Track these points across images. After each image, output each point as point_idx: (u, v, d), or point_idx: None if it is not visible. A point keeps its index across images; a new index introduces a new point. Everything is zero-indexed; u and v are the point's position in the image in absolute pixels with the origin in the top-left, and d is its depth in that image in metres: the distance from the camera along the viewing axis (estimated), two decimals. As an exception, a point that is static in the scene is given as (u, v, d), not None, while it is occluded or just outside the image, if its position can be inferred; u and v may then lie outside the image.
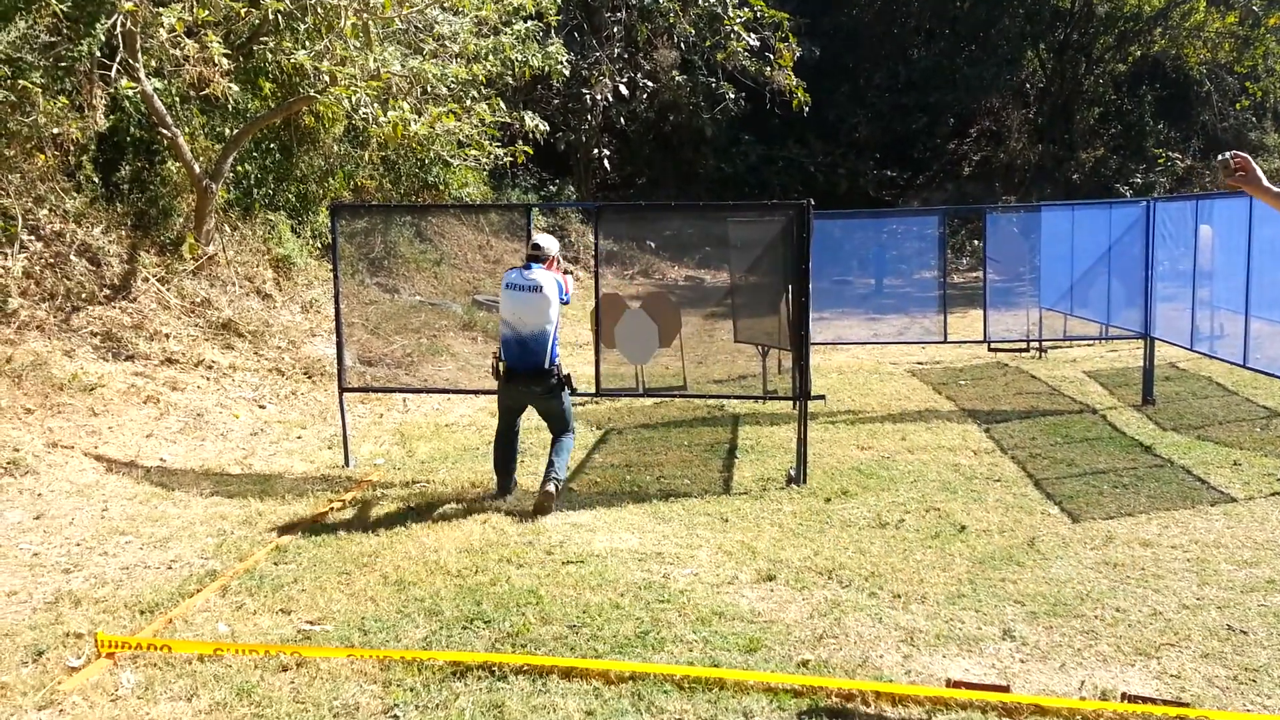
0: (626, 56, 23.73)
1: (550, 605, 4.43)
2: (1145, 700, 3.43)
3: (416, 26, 13.85)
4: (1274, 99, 25.28)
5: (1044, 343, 11.80)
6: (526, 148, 13.10)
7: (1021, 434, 8.00)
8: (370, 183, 16.07)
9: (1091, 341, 12.00)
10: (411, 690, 3.61)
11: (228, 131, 11.38)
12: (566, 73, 16.97)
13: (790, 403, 9.70)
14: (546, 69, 16.71)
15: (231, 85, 9.15)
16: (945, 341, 10.19)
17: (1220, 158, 3.46)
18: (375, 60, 10.07)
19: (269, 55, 10.03)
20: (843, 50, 26.90)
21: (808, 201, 6.71)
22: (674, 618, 4.31)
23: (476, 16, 13.58)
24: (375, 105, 9.86)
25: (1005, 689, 3.52)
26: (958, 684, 3.57)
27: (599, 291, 7.49)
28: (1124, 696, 3.48)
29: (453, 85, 15.47)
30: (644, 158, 28.52)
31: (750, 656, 3.92)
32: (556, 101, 24.20)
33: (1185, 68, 25.60)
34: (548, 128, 18.89)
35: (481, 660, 3.78)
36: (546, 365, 5.93)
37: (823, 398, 9.74)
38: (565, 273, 6.32)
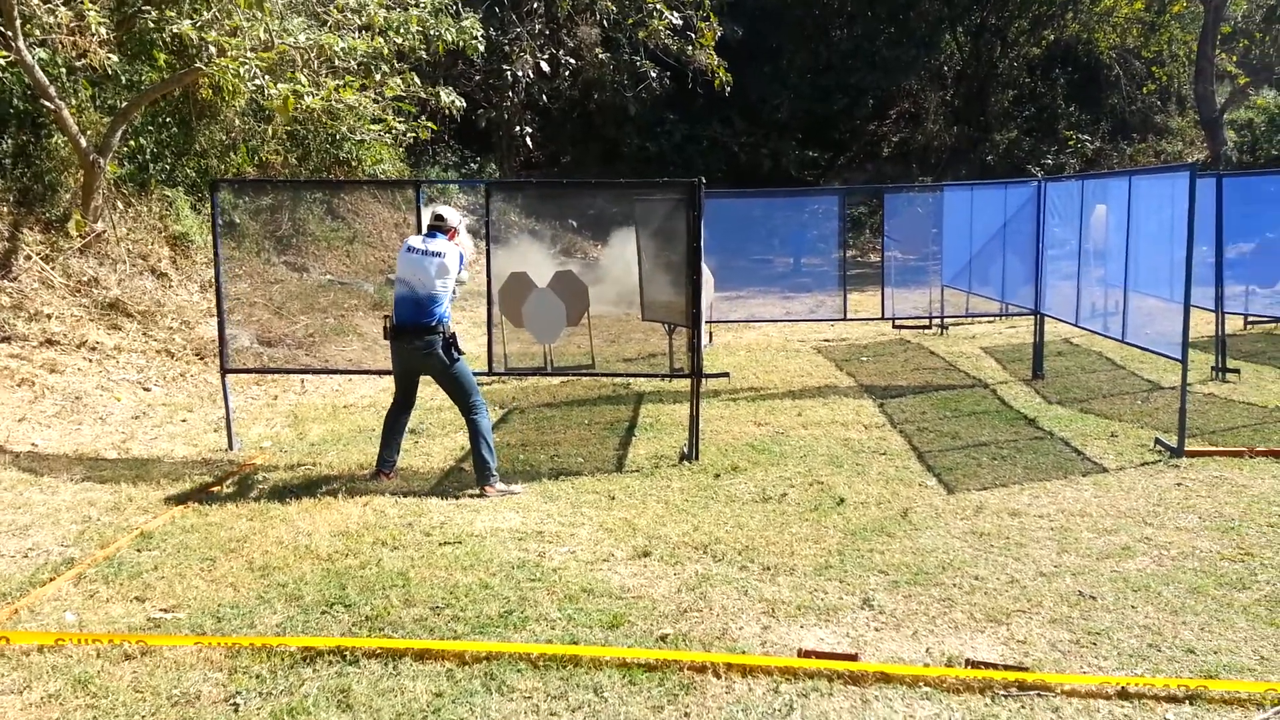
0: (548, 33, 23.42)
1: (417, 587, 4.36)
2: (987, 665, 3.52)
3: (321, -2, 13.45)
4: (1178, 83, 26.15)
5: (946, 320, 12.06)
6: (430, 123, 12.85)
7: (913, 408, 8.16)
8: (275, 158, 15.60)
9: (993, 318, 12.31)
10: (257, 677, 3.52)
11: (120, 104, 10.92)
12: (481, 48, 16.64)
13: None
14: (461, 44, 16.39)
15: (110, 55, 8.75)
16: (845, 319, 10.33)
17: None
18: (266, 31, 9.74)
19: (150, 24, 9.60)
20: (766, 30, 26.98)
21: (698, 180, 6.70)
22: (541, 596, 4.28)
23: (384, -12, 13.22)
24: (266, 77, 9.53)
25: (854, 657, 3.58)
26: (808, 654, 3.61)
27: (491, 271, 7.37)
28: (967, 662, 3.57)
29: (362, 59, 15.08)
30: (568, 136, 28.27)
31: (611, 633, 3.91)
32: (478, 78, 23.82)
33: (1095, 52, 26.31)
34: (464, 104, 18.56)
35: (333, 645, 3.70)
36: (433, 323, 6.02)
37: (726, 375, 9.79)
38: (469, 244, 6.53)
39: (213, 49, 9.11)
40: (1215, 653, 3.68)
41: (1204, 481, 5.84)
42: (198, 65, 9.51)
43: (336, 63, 15.03)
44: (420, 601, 4.20)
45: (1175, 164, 6.53)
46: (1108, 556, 4.69)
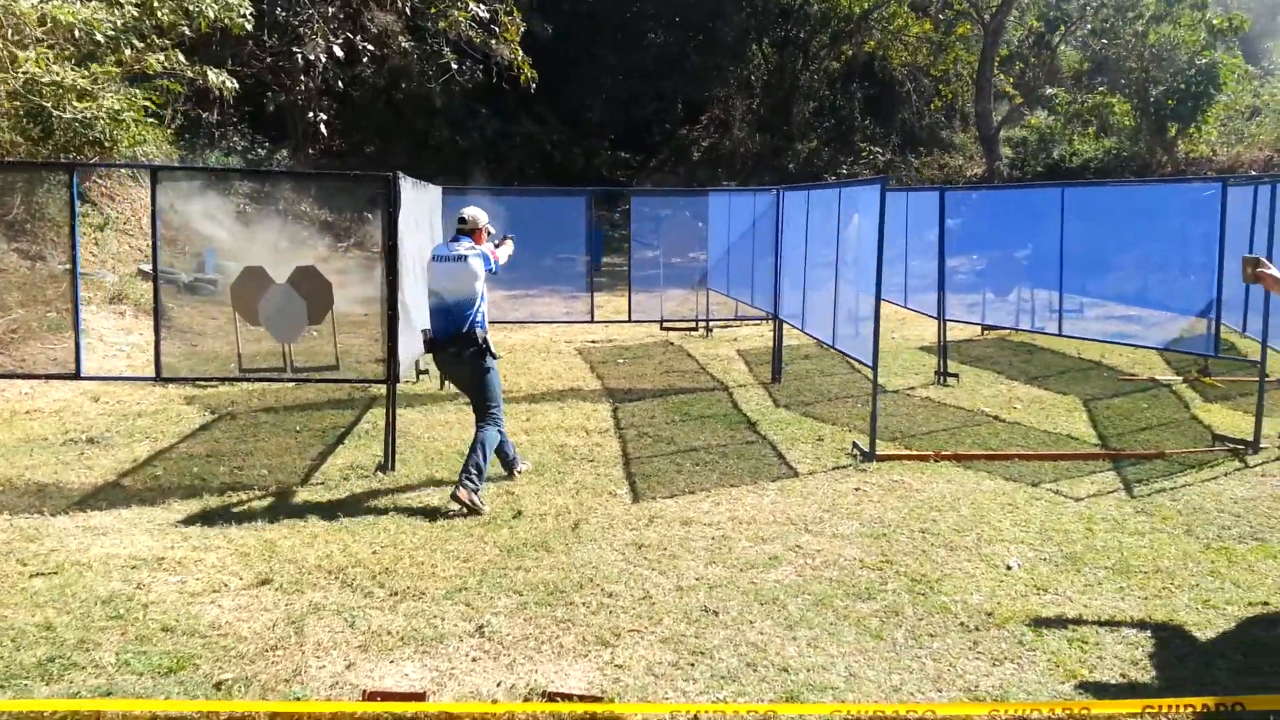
0: (343, 17, 22.30)
1: (-45, 631, 3.74)
2: (564, 697, 3.29)
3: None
4: (962, 101, 27.78)
5: (712, 322, 12.14)
6: (150, 99, 11.84)
7: (645, 412, 8.03)
8: (3, 137, 14.02)
9: (759, 321, 12.48)
10: None
11: None
12: (249, 26, 15.58)
13: (440, 383, 9.35)
14: (224, 21, 15.28)
15: None
16: (592, 321, 10.17)
17: (1247, 256, 4.46)
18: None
19: None
20: (580, 31, 26.81)
21: (394, 174, 6.29)
22: (110, 638, 3.76)
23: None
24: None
25: (421, 697, 3.27)
26: (373, 695, 3.28)
27: (157, 264, 6.68)
28: (544, 695, 3.33)
29: (111, 33, 13.82)
30: (373, 125, 27.15)
31: (164, 679, 3.45)
32: (269, 60, 22.44)
33: (890, 68, 27.60)
34: (235, 85, 17.35)
35: None
36: (467, 329, 5.77)
37: (470, 378, 9.45)
38: (498, 243, 6.42)
39: None
40: (809, 670, 3.60)
41: (881, 486, 5.93)
42: None
43: (76, 34, 13.70)
44: (-54, 651, 3.59)
45: (873, 177, 6.74)
46: (753, 566, 4.61)
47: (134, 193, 17.63)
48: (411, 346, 7.11)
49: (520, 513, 5.41)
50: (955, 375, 9.23)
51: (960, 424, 7.63)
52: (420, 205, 7.32)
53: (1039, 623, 4.01)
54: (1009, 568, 4.62)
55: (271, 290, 7.46)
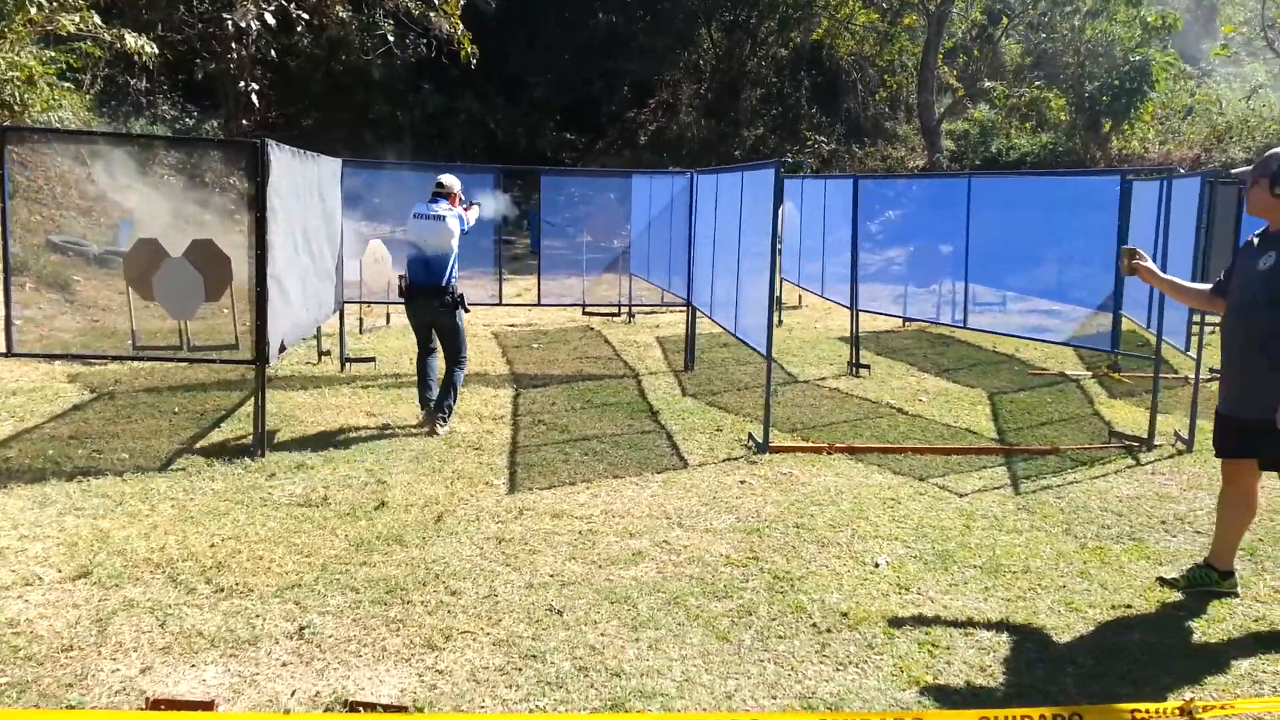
0: (276, -17, 21.54)
1: None
2: (366, 707, 3.07)
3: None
4: (906, 93, 27.82)
5: (635, 308, 11.93)
6: (66, 60, 11.31)
7: (546, 399, 7.81)
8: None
9: (683, 308, 12.29)
10: None
11: None
12: (166, -12, 14.98)
13: (341, 365, 9.03)
14: (140, -19, 14.68)
15: None
16: (501, 304, 9.90)
17: (1125, 247, 4.43)
18: None
19: None
20: (525, 6, 26.30)
21: (261, 140, 5.97)
22: (-112, 636, 3.46)
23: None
24: None
25: (210, 705, 3.03)
26: (159, 703, 3.03)
27: (6, 238, 6.26)
28: (346, 704, 3.11)
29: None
30: (311, 98, 26.45)
31: (-69, 685, 3.16)
32: (200, 26, 21.70)
33: (837, 57, 27.52)
34: (155, 49, 16.72)
35: None
36: (443, 283, 6.60)
37: (372, 360, 9.15)
38: (467, 208, 7.09)
39: None
40: (643, 675, 3.42)
41: (768, 479, 5.77)
42: None
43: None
44: None
45: (766, 160, 6.55)
46: (613, 563, 4.42)
47: (47, 160, 16.92)
48: (293, 324, 6.80)
49: (384, 503, 5.15)
50: (867, 366, 9.13)
51: (863, 415, 7.52)
52: (304, 176, 6.98)
53: (894, 623, 3.87)
54: (876, 565, 4.48)
55: (166, 264, 7.08)
